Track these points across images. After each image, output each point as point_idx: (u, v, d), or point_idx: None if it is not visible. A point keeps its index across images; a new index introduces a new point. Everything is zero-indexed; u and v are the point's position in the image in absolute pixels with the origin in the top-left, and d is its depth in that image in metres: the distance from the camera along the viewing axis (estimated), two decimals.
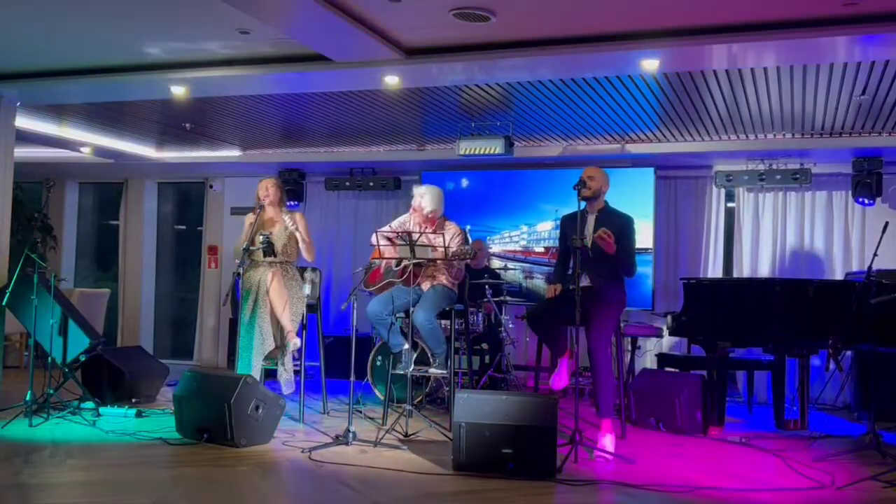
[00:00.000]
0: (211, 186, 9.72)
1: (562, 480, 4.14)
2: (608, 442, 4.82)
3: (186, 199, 10.54)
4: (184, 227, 10.55)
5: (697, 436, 5.52)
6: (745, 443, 5.32)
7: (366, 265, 5.82)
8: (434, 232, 5.35)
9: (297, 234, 5.57)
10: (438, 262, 5.38)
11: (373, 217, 8.90)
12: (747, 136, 7.02)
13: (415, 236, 5.18)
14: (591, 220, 5.06)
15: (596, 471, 4.40)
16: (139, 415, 5.64)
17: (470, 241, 5.92)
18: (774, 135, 6.93)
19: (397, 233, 5.38)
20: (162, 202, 10.28)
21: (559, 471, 4.24)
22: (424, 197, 5.56)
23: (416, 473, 4.23)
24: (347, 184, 8.77)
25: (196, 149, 8.52)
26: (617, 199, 5.22)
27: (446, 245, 5.21)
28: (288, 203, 5.63)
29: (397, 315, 5.59)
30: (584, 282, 4.91)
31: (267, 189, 5.67)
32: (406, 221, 5.69)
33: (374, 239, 5.46)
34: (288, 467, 4.37)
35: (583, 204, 4.89)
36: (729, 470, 4.55)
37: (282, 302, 5.43)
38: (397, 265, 5.58)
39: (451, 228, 5.57)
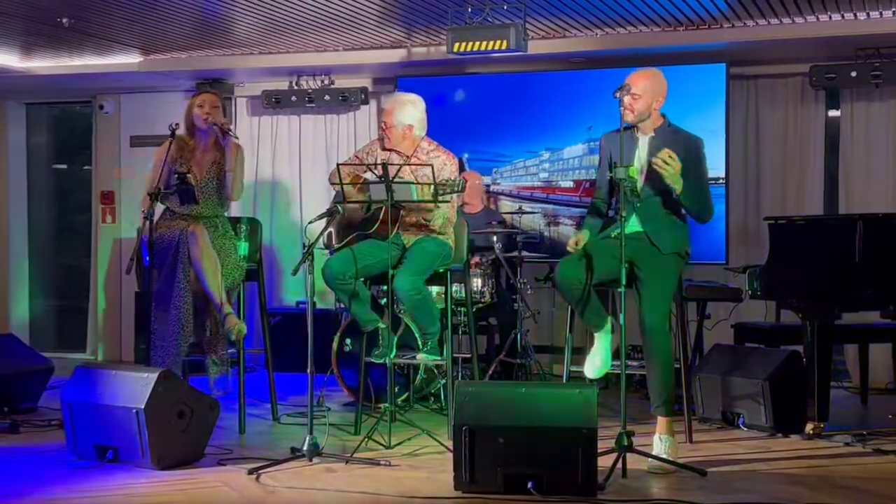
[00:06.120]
0: (101, 108, 9.64)
1: (606, 500, 4.20)
2: (668, 447, 4.89)
3: (67, 127, 10.44)
4: (65, 165, 10.48)
5: (792, 435, 5.59)
6: (858, 444, 5.39)
7: (324, 212, 5.83)
8: (412, 158, 5.32)
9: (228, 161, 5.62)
10: (425, 204, 5.37)
11: (329, 144, 8.88)
12: (855, 14, 6.94)
13: (393, 169, 5.17)
14: (643, 142, 5.06)
15: (652, 487, 4.47)
16: (14, 429, 5.69)
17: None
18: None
19: (369, 165, 5.37)
20: (33, 132, 10.17)
21: (601, 488, 4.30)
22: (398, 108, 5.52)
23: (405, 498, 4.28)
24: (293, 98, 8.74)
25: (78, 55, 8.44)
26: (674, 109, 5.20)
27: (437, 178, 5.19)
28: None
29: (369, 282, 5.60)
30: (633, 227, 4.93)
31: (203, 105, 5.68)
32: (371, 151, 5.68)
33: (334, 177, 5.45)
34: (227, 495, 4.42)
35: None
36: (836, 481, 4.62)
37: (211, 269, 5.46)
38: (366, 211, 5.59)
39: (441, 154, 5.57)
